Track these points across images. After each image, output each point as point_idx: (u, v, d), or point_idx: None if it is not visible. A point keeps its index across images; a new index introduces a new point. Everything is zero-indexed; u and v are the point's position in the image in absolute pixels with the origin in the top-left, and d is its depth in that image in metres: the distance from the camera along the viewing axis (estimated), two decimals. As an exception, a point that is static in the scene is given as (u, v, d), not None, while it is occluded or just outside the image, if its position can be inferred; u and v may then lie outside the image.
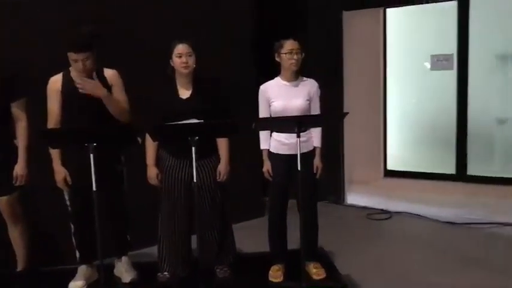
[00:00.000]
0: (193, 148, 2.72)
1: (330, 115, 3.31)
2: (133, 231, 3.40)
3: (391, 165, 5.98)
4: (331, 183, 5.14)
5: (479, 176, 5.42)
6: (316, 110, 3.24)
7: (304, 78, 3.25)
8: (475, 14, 5.30)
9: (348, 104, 5.26)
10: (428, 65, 5.61)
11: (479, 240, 4.14)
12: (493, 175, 5.37)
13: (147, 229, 3.38)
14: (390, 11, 5.71)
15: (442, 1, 5.16)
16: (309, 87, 3.22)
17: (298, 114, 3.11)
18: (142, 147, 3.18)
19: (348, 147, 5.36)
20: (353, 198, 5.36)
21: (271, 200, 3.35)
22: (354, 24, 5.40)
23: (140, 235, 3.53)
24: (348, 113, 3.06)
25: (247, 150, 3.68)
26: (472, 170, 5.49)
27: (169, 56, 3.11)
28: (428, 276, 3.44)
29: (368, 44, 5.73)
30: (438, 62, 5.47)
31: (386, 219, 4.75)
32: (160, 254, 3.32)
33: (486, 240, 4.12)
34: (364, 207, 5.06)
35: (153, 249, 3.46)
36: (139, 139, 2.84)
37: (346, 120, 5.13)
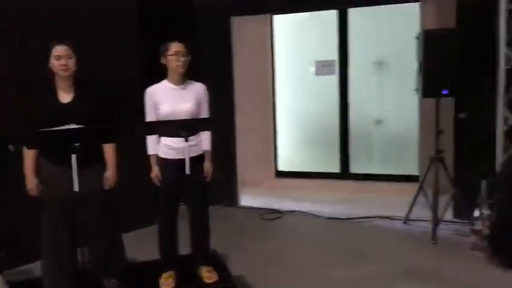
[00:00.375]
0: (73, 155, 2.56)
1: (215, 118, 3.31)
2: (12, 247, 3.12)
3: (281, 166, 6.21)
4: (224, 185, 5.18)
5: (361, 174, 5.85)
6: (205, 114, 3.24)
7: (192, 82, 3.24)
8: (353, 23, 5.71)
9: (239, 107, 5.35)
10: (313, 70, 5.91)
11: (363, 233, 4.44)
12: (373, 172, 5.82)
13: (28, 244, 3.12)
14: (277, 18, 5.93)
15: (323, 10, 5.48)
16: (197, 90, 3.21)
17: (187, 117, 3.09)
18: (20, 155, 2.93)
19: (240, 150, 5.45)
20: (246, 199, 5.45)
21: (160, 206, 3.27)
22: (243, 29, 5.51)
23: (20, 251, 3.25)
24: (231, 116, 3.10)
25: (136, 156, 3.55)
26: (354, 168, 5.90)
27: (47, 58, 2.91)
28: (320, 271, 3.61)
29: (257, 48, 5.89)
30: (322, 67, 5.80)
31: (278, 218, 4.90)
32: (43, 269, 3.08)
33: (369, 233, 4.42)
34: (257, 208, 5.17)
35: (34, 266, 3.20)
36: (10, 147, 2.61)
37: (238, 123, 5.30)
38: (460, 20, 4.32)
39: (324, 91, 6.00)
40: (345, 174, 5.91)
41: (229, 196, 5.30)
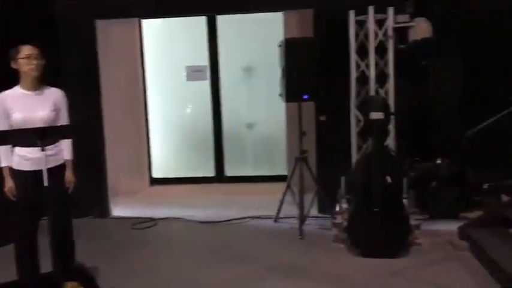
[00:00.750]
0: None
1: (75, 125, 3.16)
2: None
3: (156, 173, 6.12)
4: (94, 196, 4.95)
5: (235, 176, 6.00)
6: (64, 121, 3.07)
7: (48, 87, 3.06)
8: (222, 30, 5.85)
9: (109, 113, 5.16)
10: (185, 75, 5.93)
11: (237, 234, 4.54)
12: (246, 174, 6.00)
13: None
14: (147, 22, 5.85)
15: (191, 16, 5.53)
16: (54, 96, 3.04)
17: (43, 125, 2.90)
18: None
19: (111, 158, 5.25)
20: (119, 210, 5.26)
21: (17, 222, 3.03)
22: (110, 32, 5.34)
23: None
24: (99, 122, 3.00)
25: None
26: (229, 171, 6.04)
27: None
28: (194, 275, 3.62)
29: (126, 53, 5.75)
30: (193, 72, 5.85)
31: (151, 227, 4.81)
32: None
33: (242, 234, 4.54)
34: (130, 218, 5.02)
35: None
36: None
37: (108, 130, 5.11)
38: (317, 30, 4.66)
39: (196, 96, 6.05)
40: (219, 177, 6.02)
41: (100, 207, 5.07)
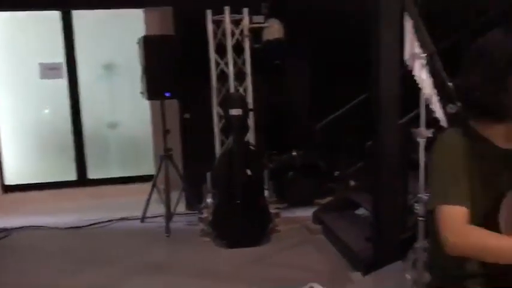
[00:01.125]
0: None
1: None
2: None
3: (9, 180, 5.62)
4: None
5: (99, 179, 5.76)
6: None
7: None
8: (79, 25, 5.56)
9: None
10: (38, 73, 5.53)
11: (102, 238, 4.40)
12: (111, 176, 5.80)
13: None
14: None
15: (44, 10, 5.18)
16: None
17: None
18: None
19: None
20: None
21: None
22: None
23: None
24: None
25: None
26: (92, 173, 5.78)
27: None
28: (58, 282, 3.46)
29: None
30: (47, 70, 5.48)
31: (4, 238, 4.42)
32: None
33: (108, 237, 4.41)
34: (-22, 231, 4.56)
35: None
36: None
37: None
38: (177, 28, 4.69)
39: (53, 95, 5.68)
40: (82, 181, 5.73)
41: None
